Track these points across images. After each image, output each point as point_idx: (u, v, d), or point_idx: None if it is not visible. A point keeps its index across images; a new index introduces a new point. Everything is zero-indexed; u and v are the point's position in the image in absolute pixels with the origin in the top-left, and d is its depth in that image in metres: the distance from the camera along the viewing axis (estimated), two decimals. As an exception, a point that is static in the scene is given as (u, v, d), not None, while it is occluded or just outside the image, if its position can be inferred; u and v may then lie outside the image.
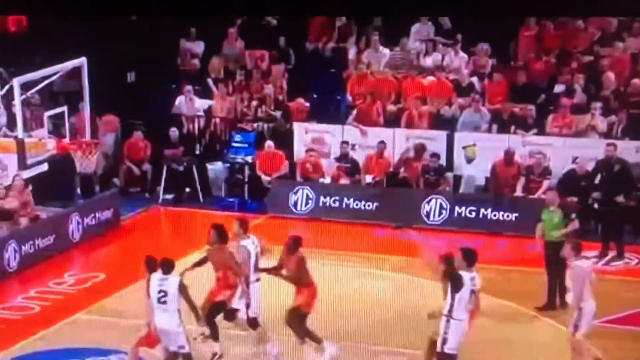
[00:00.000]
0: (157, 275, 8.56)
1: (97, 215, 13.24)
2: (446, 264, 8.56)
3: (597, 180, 12.71)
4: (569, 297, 8.85)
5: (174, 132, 14.99)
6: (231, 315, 9.26)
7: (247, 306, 9.13)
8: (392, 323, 9.81)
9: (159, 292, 8.50)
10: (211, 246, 9.34)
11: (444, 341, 8.41)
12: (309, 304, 9.17)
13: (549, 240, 10.50)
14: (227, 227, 9.34)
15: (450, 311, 8.37)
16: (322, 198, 13.89)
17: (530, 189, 13.35)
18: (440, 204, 13.44)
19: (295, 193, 14.02)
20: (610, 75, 14.17)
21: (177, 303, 8.51)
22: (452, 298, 8.36)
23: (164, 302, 8.48)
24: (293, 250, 9.22)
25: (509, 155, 13.58)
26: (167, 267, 8.61)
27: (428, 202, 13.47)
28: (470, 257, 8.51)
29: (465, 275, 8.41)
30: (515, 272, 11.74)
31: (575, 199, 12.45)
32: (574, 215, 10.61)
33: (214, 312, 9.17)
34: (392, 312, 10.13)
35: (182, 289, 8.56)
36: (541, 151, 13.51)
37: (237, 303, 9.20)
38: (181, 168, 14.83)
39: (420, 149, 13.94)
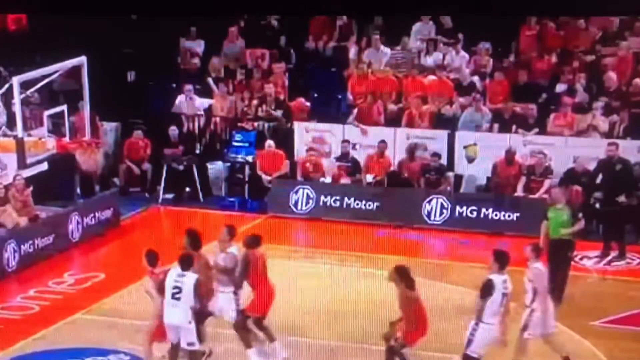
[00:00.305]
0: (175, 271, 8.47)
1: (97, 215, 13.20)
2: (398, 274, 8.45)
3: (598, 180, 12.67)
4: (527, 298, 8.77)
5: (173, 131, 14.95)
6: (203, 318, 9.09)
7: (238, 313, 8.98)
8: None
9: (174, 287, 8.41)
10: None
11: (469, 342, 8.32)
12: (253, 308, 8.94)
13: (554, 238, 10.47)
14: (217, 230, 9.21)
15: (479, 315, 8.24)
16: (322, 197, 13.85)
17: (532, 189, 13.31)
18: (441, 204, 13.39)
19: (296, 192, 13.97)
20: (612, 74, 14.13)
21: (191, 300, 8.41)
22: (483, 302, 8.21)
23: (177, 299, 8.41)
24: (249, 247, 8.97)
25: (510, 154, 13.54)
26: (186, 263, 8.52)
27: (429, 202, 13.42)
28: (502, 260, 8.37)
29: (497, 278, 8.28)
30: (515, 272, 11.72)
31: (579, 188, 12.33)
32: (580, 215, 10.58)
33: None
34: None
35: (197, 288, 8.47)
36: (542, 151, 13.47)
37: (224, 309, 9.05)
38: (181, 167, 14.79)
39: (412, 150, 13.89)
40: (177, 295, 8.42)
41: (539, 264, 8.78)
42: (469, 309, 10.07)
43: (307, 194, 13.93)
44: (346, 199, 13.76)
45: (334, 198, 13.82)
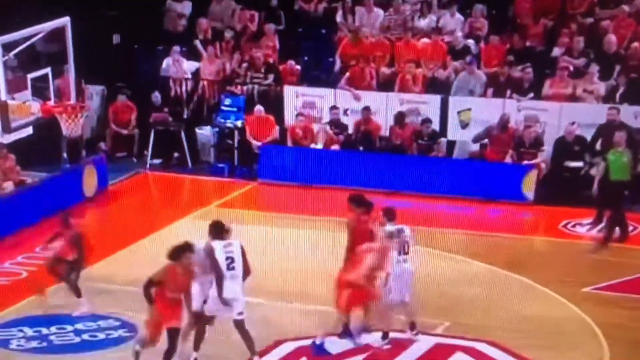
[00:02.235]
0: (220, 243, 8.22)
1: (84, 179, 12.92)
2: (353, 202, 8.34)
3: (597, 146, 12.53)
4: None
5: (156, 97, 14.64)
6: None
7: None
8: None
9: (227, 258, 8.16)
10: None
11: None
12: None
13: (614, 179, 11.16)
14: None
15: None
16: (312, 164, 13.54)
17: (523, 160, 13.12)
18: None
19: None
20: (612, 37, 13.85)
21: (241, 267, 8.19)
22: None
23: (233, 268, 8.17)
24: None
25: (503, 121, 13.34)
26: (220, 231, 8.30)
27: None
28: None
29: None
30: (501, 238, 11.68)
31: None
32: None
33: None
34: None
35: (244, 252, 8.28)
36: (537, 118, 13.25)
37: None
38: (169, 132, 14.53)
39: (400, 117, 13.67)
40: (232, 265, 8.15)
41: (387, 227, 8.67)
42: (452, 277, 10.01)
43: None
44: (337, 165, 13.54)
45: (324, 164, 13.61)
